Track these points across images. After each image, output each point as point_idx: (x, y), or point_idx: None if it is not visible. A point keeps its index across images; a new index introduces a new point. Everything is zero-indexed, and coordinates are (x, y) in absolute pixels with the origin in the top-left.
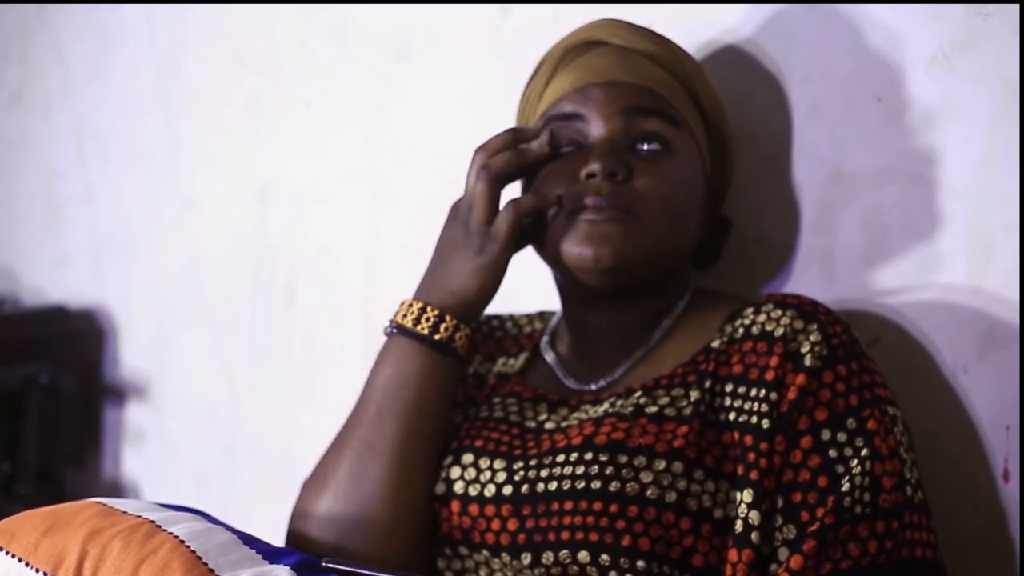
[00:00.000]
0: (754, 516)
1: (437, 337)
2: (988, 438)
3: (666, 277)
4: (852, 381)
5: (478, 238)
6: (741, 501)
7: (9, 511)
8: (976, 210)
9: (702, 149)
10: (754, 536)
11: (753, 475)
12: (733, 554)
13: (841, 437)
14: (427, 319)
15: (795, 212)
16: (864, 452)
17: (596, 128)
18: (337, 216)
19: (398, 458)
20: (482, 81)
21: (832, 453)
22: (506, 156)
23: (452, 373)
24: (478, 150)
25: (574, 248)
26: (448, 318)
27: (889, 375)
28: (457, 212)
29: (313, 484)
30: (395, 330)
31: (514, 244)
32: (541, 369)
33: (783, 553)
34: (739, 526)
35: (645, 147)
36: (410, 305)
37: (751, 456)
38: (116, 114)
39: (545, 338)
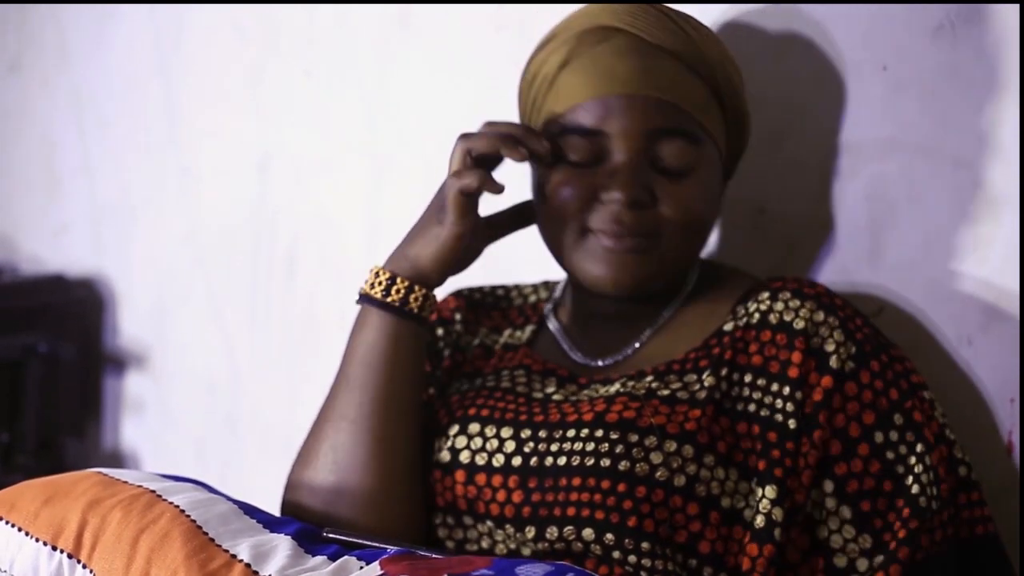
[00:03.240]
0: (777, 513)
1: (389, 299)
2: (993, 410)
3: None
4: (887, 375)
5: (438, 209)
6: (763, 496)
7: (8, 481)
8: (981, 181)
9: (720, 146)
10: (777, 533)
11: (777, 472)
12: (754, 548)
13: (893, 436)
14: (379, 282)
15: (798, 182)
16: (919, 448)
17: (618, 149)
18: (338, 186)
19: (367, 425)
20: (484, 51)
21: (889, 455)
22: (488, 139)
23: (418, 337)
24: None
25: (590, 268)
26: (399, 280)
27: None
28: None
29: (300, 456)
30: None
31: (469, 219)
32: (548, 341)
33: (862, 564)
34: (760, 521)
35: (666, 167)
36: (376, 274)
37: (775, 453)
38: (115, 83)
39: (548, 306)
